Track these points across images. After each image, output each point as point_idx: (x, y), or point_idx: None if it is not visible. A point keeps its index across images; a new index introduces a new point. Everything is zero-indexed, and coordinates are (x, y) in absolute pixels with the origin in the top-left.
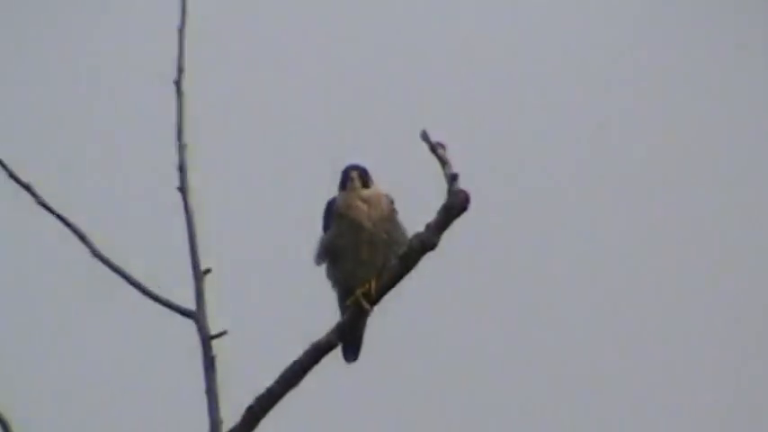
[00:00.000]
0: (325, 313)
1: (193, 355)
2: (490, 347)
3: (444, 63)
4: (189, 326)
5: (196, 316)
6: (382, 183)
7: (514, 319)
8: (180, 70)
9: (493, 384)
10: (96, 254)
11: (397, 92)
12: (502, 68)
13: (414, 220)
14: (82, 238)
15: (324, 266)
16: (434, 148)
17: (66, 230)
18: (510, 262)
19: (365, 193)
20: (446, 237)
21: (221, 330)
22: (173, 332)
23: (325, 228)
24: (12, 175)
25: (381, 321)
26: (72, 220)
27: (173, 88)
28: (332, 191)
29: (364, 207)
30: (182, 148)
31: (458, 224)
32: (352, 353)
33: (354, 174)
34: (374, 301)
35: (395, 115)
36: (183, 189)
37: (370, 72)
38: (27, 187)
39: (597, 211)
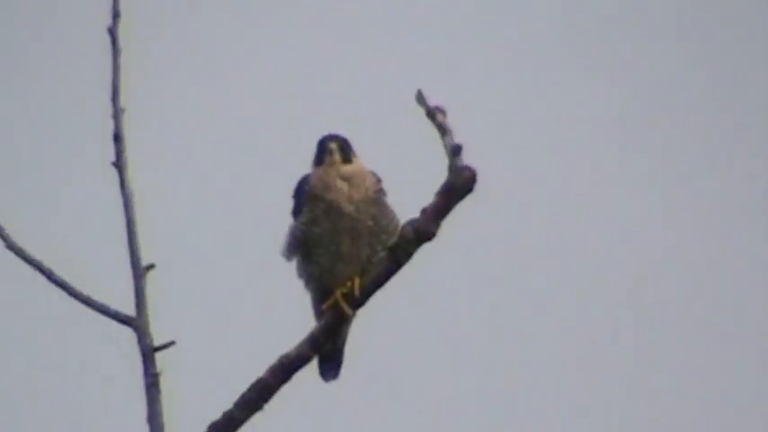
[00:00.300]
0: (297, 319)
1: (132, 371)
2: (498, 360)
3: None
4: (127, 335)
5: (136, 323)
6: (367, 157)
7: (530, 327)
8: (115, 15)
9: (508, 409)
10: (11, 246)
11: (383, 40)
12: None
13: (406, 204)
14: None
15: (295, 261)
16: (432, 114)
17: None
18: (523, 254)
19: (346, 169)
20: (447, 224)
21: (167, 341)
22: (106, 343)
23: (296, 212)
24: None
25: (367, 329)
26: None
27: (106, 38)
28: (305, 166)
29: (344, 187)
30: (117, 113)
31: (462, 208)
32: (330, 369)
33: (333, 145)
34: (357, 303)
35: (381, 71)
36: (119, 164)
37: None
38: None
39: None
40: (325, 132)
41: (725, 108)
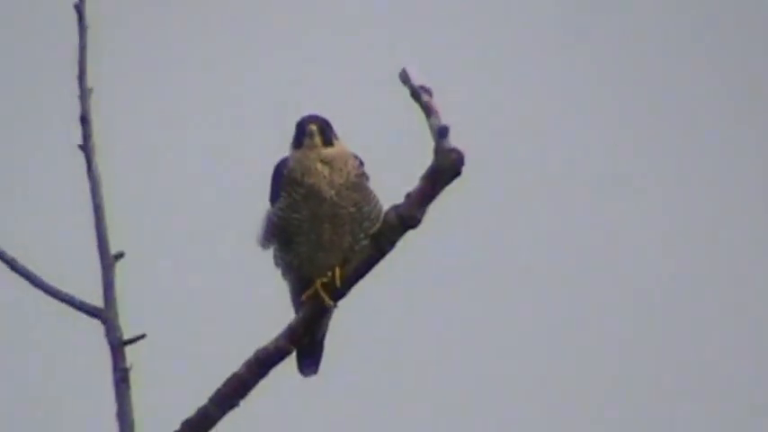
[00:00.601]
0: (274, 311)
1: (101, 366)
2: (488, 358)
3: None
4: (95, 328)
5: (104, 315)
6: (348, 139)
7: (519, 319)
8: None
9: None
10: None
11: (365, 15)
12: None
13: (390, 189)
14: None
15: (271, 250)
16: (417, 94)
17: None
18: (512, 241)
19: (327, 152)
20: (432, 210)
21: (138, 334)
22: (73, 336)
23: (274, 198)
24: None
25: (349, 321)
26: None
27: (73, 15)
28: (283, 150)
29: (325, 170)
30: (84, 93)
31: (448, 193)
32: (310, 364)
33: (313, 127)
34: (339, 294)
35: (362, 48)
36: (86, 147)
37: None
38: None
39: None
40: (305, 113)
41: (731, 108)
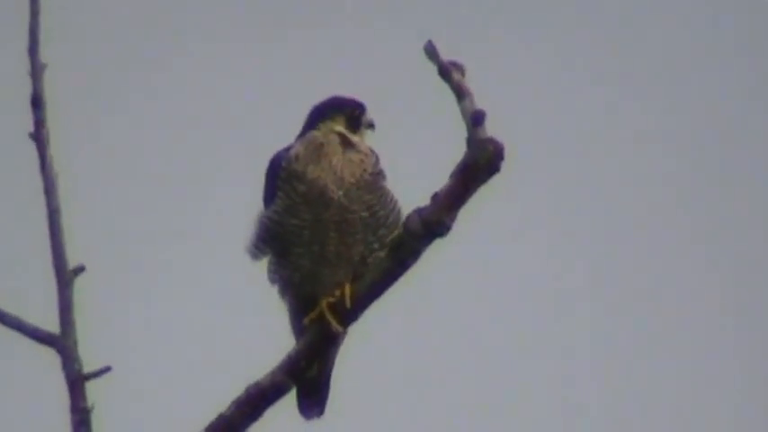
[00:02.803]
0: (269, 338)
1: (55, 405)
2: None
3: None
4: (49, 358)
5: (60, 343)
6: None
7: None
8: None
9: None
10: None
11: None
12: None
13: (412, 189)
14: None
15: (265, 261)
16: (446, 71)
17: None
18: (561, 249)
19: (349, 138)
20: (465, 213)
21: (101, 366)
22: (24, 368)
23: (268, 199)
24: None
25: (362, 351)
26: None
27: None
28: (284, 139)
29: (337, 163)
30: (37, 69)
31: (484, 193)
32: (313, 404)
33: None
34: (349, 317)
35: (379, 16)
36: (38, 137)
37: None
38: None
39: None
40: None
41: None
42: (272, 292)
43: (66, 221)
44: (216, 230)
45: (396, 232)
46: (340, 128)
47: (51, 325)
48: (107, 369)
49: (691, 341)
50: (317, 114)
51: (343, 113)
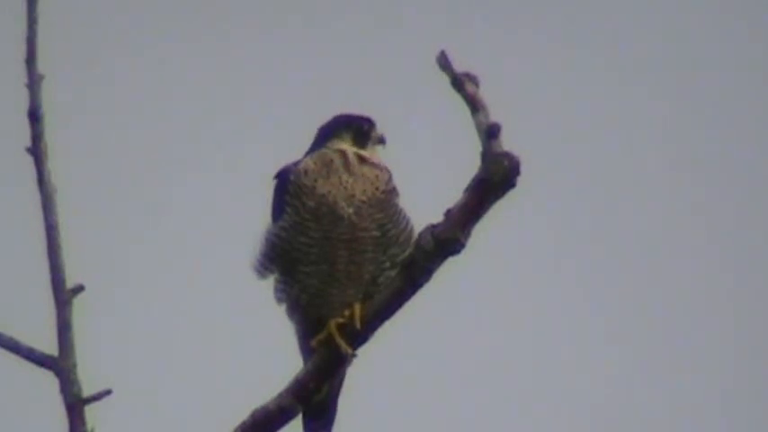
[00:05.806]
0: (276, 360)
1: (55, 429)
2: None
3: None
4: (47, 381)
5: (59, 365)
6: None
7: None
8: None
9: None
10: None
11: None
12: None
13: (424, 205)
14: None
15: (272, 280)
16: (460, 82)
17: None
18: (581, 268)
19: (360, 153)
20: (480, 231)
21: (101, 389)
22: (21, 392)
23: (276, 214)
24: None
25: (372, 374)
26: None
27: None
28: (292, 152)
29: (348, 180)
30: (34, 81)
31: (500, 209)
32: (320, 426)
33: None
34: (358, 339)
35: (390, 27)
36: (35, 151)
37: None
38: None
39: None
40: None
41: None
42: (280, 312)
43: (65, 238)
44: (220, 249)
45: (407, 251)
46: (347, 146)
47: (49, 347)
48: (107, 392)
49: (705, 355)
50: (324, 134)
51: (351, 131)
